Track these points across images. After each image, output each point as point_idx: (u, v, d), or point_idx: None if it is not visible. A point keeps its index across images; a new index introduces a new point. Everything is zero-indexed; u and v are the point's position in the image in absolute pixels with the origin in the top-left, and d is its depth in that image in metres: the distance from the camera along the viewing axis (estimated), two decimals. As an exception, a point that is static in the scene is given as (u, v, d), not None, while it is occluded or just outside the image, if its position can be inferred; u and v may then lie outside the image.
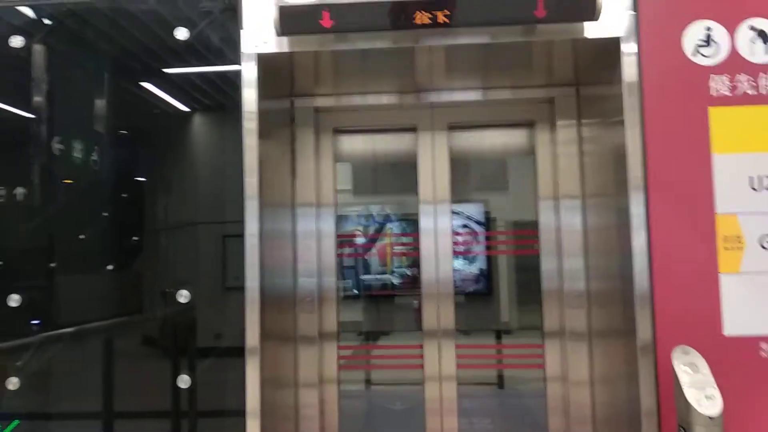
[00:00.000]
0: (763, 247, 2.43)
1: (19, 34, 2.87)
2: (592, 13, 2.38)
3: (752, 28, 2.50)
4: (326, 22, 2.41)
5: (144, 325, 3.03)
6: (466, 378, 3.29)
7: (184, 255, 2.99)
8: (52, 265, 3.00)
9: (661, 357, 2.42)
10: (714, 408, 2.08)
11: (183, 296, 2.76)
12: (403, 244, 3.50)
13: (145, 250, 3.05)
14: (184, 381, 2.74)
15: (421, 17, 2.38)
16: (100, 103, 3.03)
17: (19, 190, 2.91)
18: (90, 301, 3.00)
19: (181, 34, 2.76)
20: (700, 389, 2.14)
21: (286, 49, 2.63)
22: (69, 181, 3.04)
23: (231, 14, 2.71)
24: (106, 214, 3.06)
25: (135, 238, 3.08)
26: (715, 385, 2.14)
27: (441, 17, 2.38)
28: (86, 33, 2.95)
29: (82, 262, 3.05)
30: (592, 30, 2.52)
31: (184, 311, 2.78)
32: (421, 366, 3.29)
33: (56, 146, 2.94)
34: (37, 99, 2.92)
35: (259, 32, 2.64)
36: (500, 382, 3.46)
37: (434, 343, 3.30)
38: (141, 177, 3.10)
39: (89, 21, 2.92)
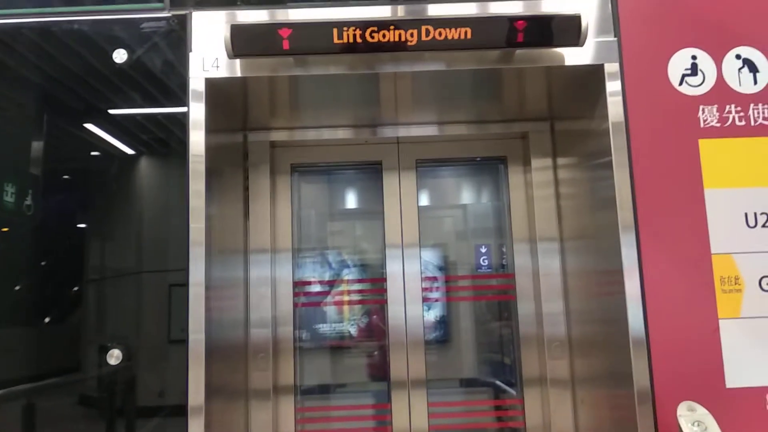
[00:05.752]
0: (763, 290, 2.25)
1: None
2: (577, 38, 2.20)
3: (738, 57, 2.38)
4: (285, 43, 2.16)
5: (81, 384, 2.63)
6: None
7: (125, 306, 2.63)
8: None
9: (659, 410, 2.18)
10: (729, 474, 1.86)
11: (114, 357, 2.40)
12: (368, 291, 3.22)
13: (83, 301, 2.67)
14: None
15: (393, 37, 2.15)
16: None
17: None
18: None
19: (120, 57, 2.46)
20: (712, 452, 1.91)
21: (238, 73, 2.36)
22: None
23: (178, 36, 2.43)
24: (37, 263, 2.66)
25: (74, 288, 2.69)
26: (727, 447, 1.92)
27: (414, 38, 2.15)
28: (10, 60, 2.60)
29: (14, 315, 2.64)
30: (573, 57, 2.35)
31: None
32: (390, 422, 3.01)
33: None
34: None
35: (208, 56, 2.38)
36: None
37: (403, 396, 3.02)
38: (77, 224, 2.71)
39: (14, 47, 2.58)
